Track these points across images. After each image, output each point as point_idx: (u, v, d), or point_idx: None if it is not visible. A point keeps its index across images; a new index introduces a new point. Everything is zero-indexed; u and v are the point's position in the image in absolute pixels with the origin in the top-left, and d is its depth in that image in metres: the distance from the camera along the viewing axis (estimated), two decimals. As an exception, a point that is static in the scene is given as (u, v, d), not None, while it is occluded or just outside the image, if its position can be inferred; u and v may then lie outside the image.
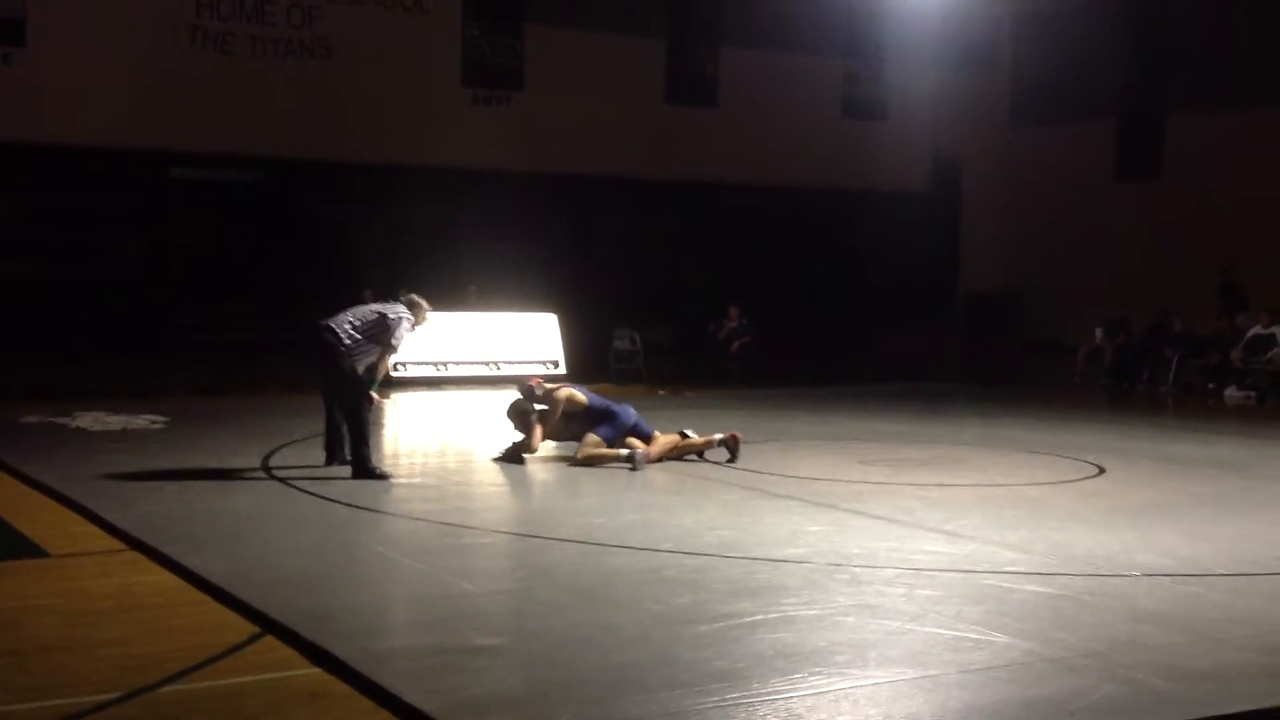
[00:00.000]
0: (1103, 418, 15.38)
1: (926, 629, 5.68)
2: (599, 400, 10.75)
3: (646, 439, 10.55)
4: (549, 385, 10.80)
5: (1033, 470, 10.73)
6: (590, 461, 10.27)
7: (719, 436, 10.83)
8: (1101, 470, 10.64)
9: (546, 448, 10.75)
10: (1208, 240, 21.19)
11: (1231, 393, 18.40)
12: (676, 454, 10.68)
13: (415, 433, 13.78)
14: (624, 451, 10.31)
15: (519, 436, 10.60)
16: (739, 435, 10.89)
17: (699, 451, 10.78)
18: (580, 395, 10.62)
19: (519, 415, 10.60)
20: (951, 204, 25.04)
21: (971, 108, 24.34)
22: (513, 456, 10.53)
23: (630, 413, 10.66)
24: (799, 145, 23.02)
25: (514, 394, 10.90)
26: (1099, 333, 20.41)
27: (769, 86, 22.99)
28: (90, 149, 18.34)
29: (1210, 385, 18.91)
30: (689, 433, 10.91)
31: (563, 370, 18.01)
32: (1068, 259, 23.27)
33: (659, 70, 22.68)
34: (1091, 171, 23.09)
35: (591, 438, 10.38)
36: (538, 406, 10.61)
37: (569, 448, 10.65)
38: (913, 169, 24.40)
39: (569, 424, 10.58)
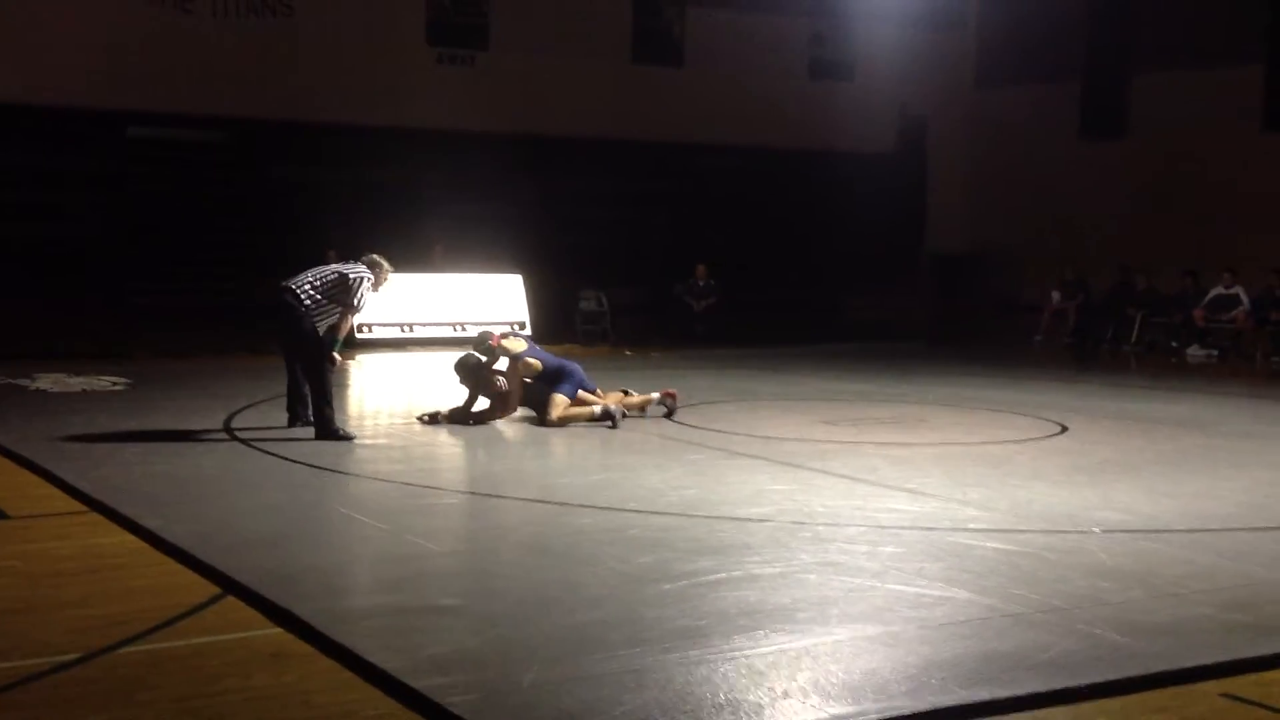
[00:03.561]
0: (1066, 376, 15.48)
1: (888, 586, 5.71)
2: (550, 360, 10.73)
3: (591, 394, 10.63)
4: (507, 345, 10.68)
5: (995, 429, 10.79)
6: (564, 422, 10.27)
7: (656, 395, 10.94)
8: (1064, 428, 10.72)
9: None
10: (1171, 198, 21.28)
11: (1194, 351, 18.56)
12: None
13: (379, 394, 13.73)
14: (597, 409, 10.35)
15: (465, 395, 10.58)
16: (675, 393, 11.03)
17: (640, 409, 10.85)
18: (535, 362, 10.54)
19: (468, 371, 10.54)
20: (917, 164, 25.01)
21: (937, 68, 24.29)
22: (459, 417, 10.46)
23: (578, 368, 10.70)
24: (765, 105, 22.93)
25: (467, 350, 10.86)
26: (1055, 295, 20.56)
27: (735, 46, 22.86)
28: (49, 108, 18.05)
29: (1173, 344, 19.07)
30: (631, 391, 11.01)
31: (528, 331, 17.96)
32: (1032, 219, 23.34)
33: (625, 29, 22.52)
34: (1056, 131, 23.11)
35: (559, 398, 10.36)
36: (496, 368, 10.57)
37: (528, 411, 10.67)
38: (879, 129, 24.35)
39: (527, 390, 10.55)
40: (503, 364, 10.62)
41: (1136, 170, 21.91)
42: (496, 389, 10.47)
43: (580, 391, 10.56)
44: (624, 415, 10.45)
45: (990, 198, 24.22)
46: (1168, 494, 7.95)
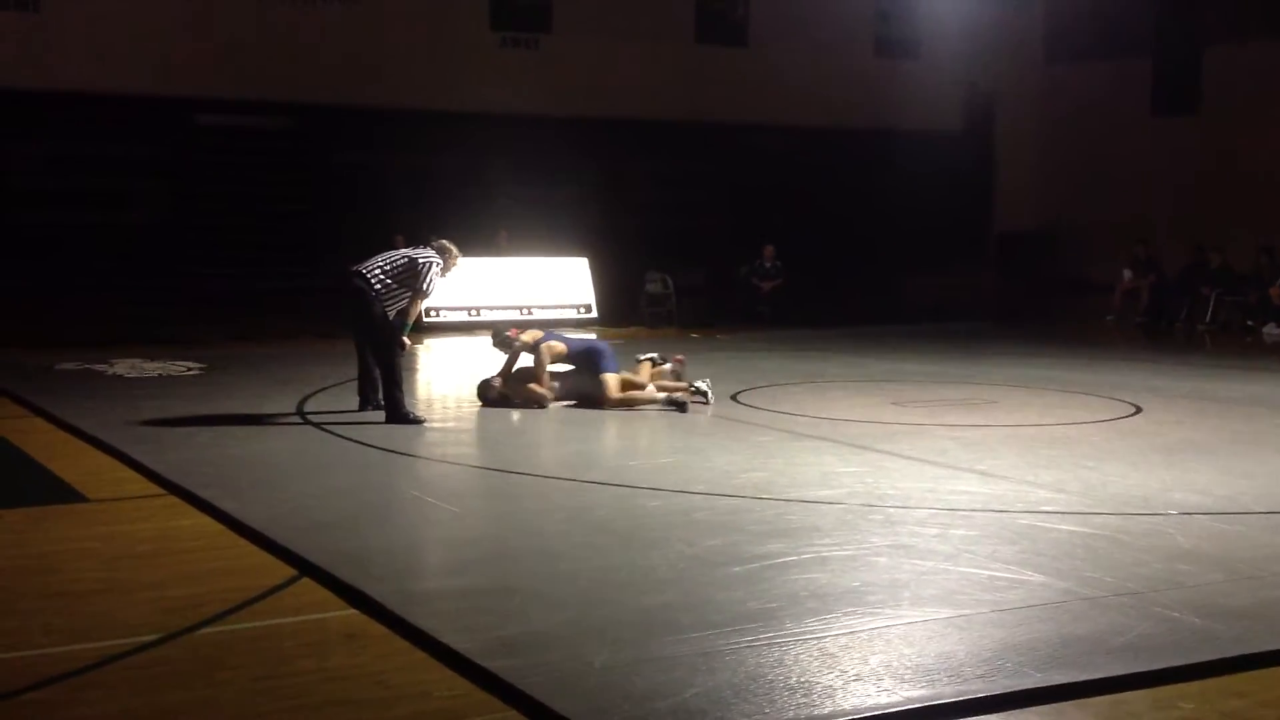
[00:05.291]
0: (1139, 356, 15.26)
1: (961, 569, 5.66)
2: (576, 342, 10.72)
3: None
4: (524, 337, 10.59)
5: (1068, 410, 10.66)
6: (627, 403, 10.24)
7: (668, 366, 10.92)
8: (1138, 409, 10.57)
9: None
10: (1245, 174, 20.90)
11: (1270, 330, 18.22)
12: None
13: (448, 377, 13.80)
14: (661, 396, 10.31)
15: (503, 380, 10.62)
16: (682, 358, 11.11)
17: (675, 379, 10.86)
18: (559, 345, 10.45)
19: (503, 342, 10.56)
20: (985, 142, 24.77)
21: (1006, 44, 24.00)
22: (498, 400, 10.43)
23: (606, 345, 10.79)
24: (830, 85, 22.78)
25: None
26: (1127, 274, 20.27)
27: (800, 25, 22.73)
28: (117, 96, 18.33)
29: (1249, 322, 18.74)
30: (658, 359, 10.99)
31: (594, 315, 18.03)
32: (1103, 196, 23.03)
33: (689, 10, 22.46)
34: (1128, 107, 22.77)
35: (611, 378, 10.29)
36: (524, 356, 10.53)
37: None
38: (946, 107, 24.12)
39: (571, 380, 10.48)
40: (525, 360, 10.48)
41: (1209, 146, 21.53)
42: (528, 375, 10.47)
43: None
44: (685, 397, 10.38)
45: (1060, 175, 23.90)
46: (1245, 475, 7.82)
